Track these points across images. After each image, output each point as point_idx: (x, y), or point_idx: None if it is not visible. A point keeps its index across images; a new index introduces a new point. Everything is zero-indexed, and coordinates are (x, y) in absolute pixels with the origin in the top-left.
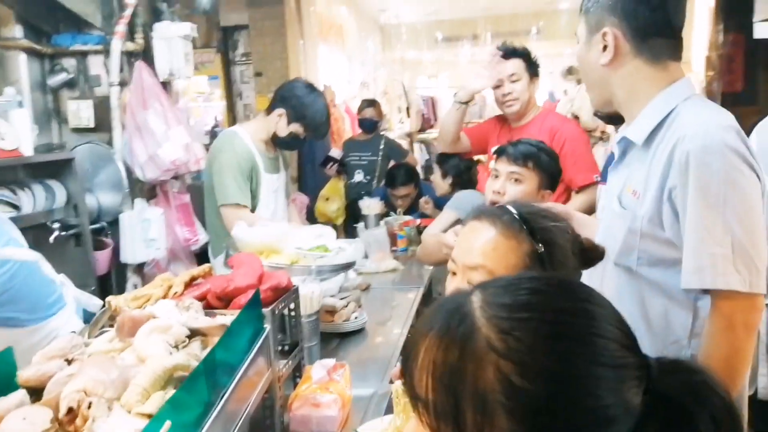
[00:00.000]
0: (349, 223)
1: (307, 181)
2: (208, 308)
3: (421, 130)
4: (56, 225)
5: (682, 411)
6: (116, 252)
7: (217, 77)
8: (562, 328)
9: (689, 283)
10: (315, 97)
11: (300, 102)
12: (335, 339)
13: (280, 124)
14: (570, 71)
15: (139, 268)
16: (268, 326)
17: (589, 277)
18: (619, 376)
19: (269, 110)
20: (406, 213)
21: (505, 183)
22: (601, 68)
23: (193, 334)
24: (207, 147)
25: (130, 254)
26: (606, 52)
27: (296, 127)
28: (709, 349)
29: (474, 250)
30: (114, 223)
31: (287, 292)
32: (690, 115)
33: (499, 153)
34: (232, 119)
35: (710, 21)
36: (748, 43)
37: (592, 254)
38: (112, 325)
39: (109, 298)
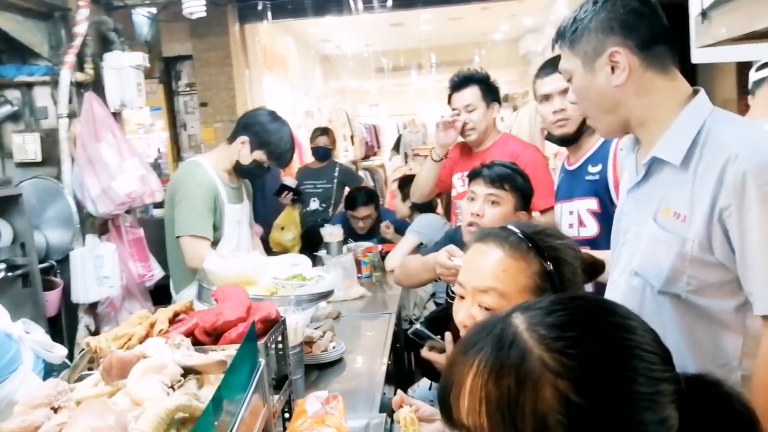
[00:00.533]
0: (306, 252)
1: (259, 211)
2: (196, 344)
3: (365, 157)
4: (2, 265)
5: (709, 422)
6: (66, 291)
7: (159, 108)
8: (611, 344)
9: (765, 310)
10: (279, 125)
11: (263, 129)
12: (314, 371)
13: (243, 152)
14: (506, 98)
15: (92, 307)
16: (262, 360)
17: (622, 299)
18: (661, 390)
19: (231, 139)
20: (366, 236)
21: (483, 205)
22: (615, 91)
23: (186, 372)
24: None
25: (82, 293)
26: (618, 73)
27: (260, 155)
28: (764, 372)
29: (483, 273)
30: (63, 261)
31: (276, 324)
32: (728, 131)
33: (474, 176)
34: (177, 151)
35: None
36: (683, 68)
37: (593, 268)
38: (91, 369)
39: (87, 340)
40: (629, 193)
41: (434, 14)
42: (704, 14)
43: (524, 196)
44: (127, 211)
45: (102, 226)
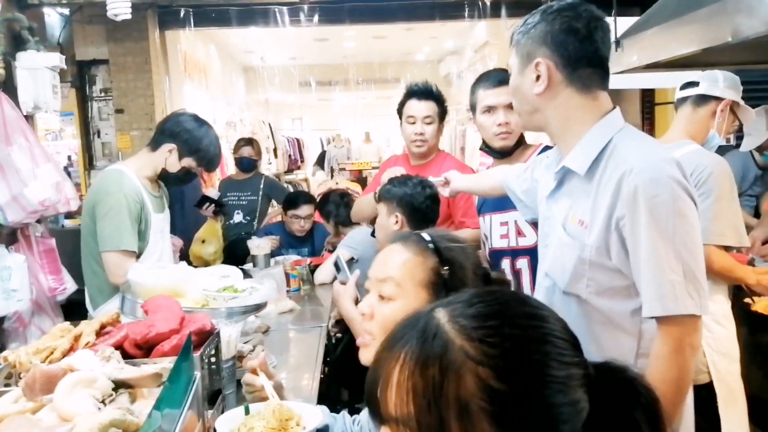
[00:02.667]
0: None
1: (177, 223)
2: (125, 357)
3: (289, 170)
4: None
5: (618, 405)
6: None
7: (71, 113)
8: (529, 331)
9: (653, 311)
10: (206, 129)
11: (192, 136)
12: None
13: (170, 160)
14: None
15: None
16: (198, 373)
17: (542, 298)
18: (572, 374)
19: (155, 146)
20: (304, 240)
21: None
22: (535, 97)
23: (117, 386)
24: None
25: None
26: (539, 82)
27: (189, 162)
28: (660, 371)
29: (386, 265)
30: None
31: (210, 336)
32: (630, 147)
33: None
34: (89, 159)
35: None
36: None
37: (492, 280)
38: (8, 384)
39: (5, 353)
40: (547, 199)
41: (359, 32)
42: (618, 42)
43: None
44: (38, 221)
45: (10, 236)
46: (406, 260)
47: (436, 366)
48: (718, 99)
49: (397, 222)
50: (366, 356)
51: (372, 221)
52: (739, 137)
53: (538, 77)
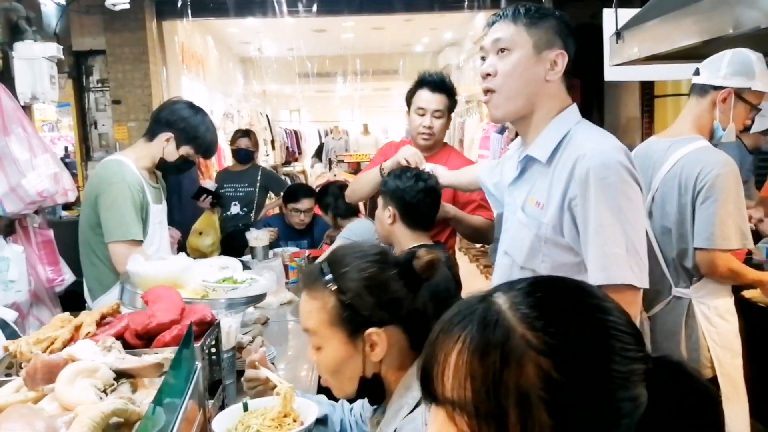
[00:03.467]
0: None
1: (173, 215)
2: (126, 347)
3: (286, 162)
4: None
5: (673, 399)
6: None
7: (68, 104)
8: (590, 324)
9: (597, 280)
10: (202, 116)
11: (188, 124)
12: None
13: (167, 149)
14: None
15: None
16: (198, 364)
17: (499, 278)
18: (634, 369)
19: (151, 136)
20: (304, 232)
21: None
22: (543, 83)
23: (119, 375)
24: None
25: None
26: (555, 71)
27: (187, 150)
28: None
29: (303, 319)
30: None
31: (211, 327)
32: (585, 136)
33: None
34: (86, 150)
35: None
36: (584, 87)
37: (425, 273)
38: (9, 374)
39: (6, 343)
40: (509, 187)
41: (358, 22)
42: (618, 34)
43: None
44: (36, 212)
45: (8, 227)
46: (311, 309)
47: (497, 353)
48: (719, 88)
49: (390, 216)
50: (335, 393)
51: (370, 213)
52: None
53: (552, 67)
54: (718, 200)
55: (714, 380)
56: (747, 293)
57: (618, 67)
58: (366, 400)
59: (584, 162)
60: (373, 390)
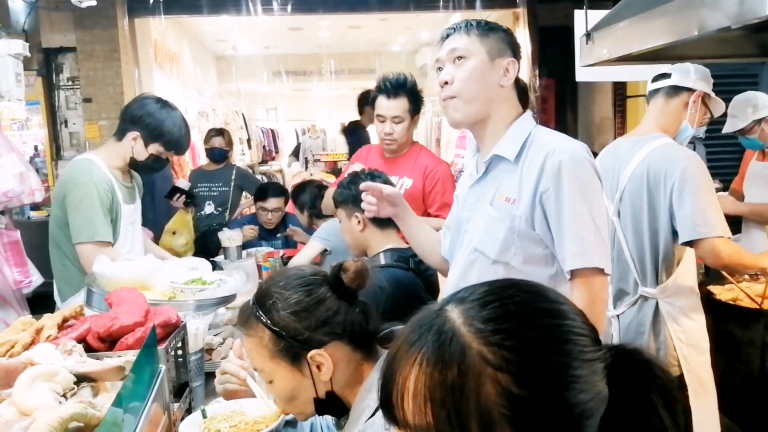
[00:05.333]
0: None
1: (146, 214)
2: (89, 350)
3: (263, 161)
4: None
5: (634, 388)
6: None
7: (37, 102)
8: (549, 331)
9: (575, 264)
10: (168, 111)
11: (154, 120)
12: (213, 379)
13: (136, 148)
14: None
15: None
16: (163, 366)
17: (461, 274)
18: (594, 370)
19: (120, 135)
20: (274, 231)
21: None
22: (497, 88)
23: (80, 379)
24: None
25: None
26: (507, 77)
27: (156, 148)
28: None
29: (249, 359)
30: None
31: (176, 329)
32: (548, 136)
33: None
34: (56, 149)
35: (528, 67)
36: (558, 87)
37: (355, 283)
38: None
39: None
40: (471, 188)
41: (334, 21)
42: (588, 35)
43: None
44: (2, 212)
45: None
46: (251, 348)
47: (454, 373)
48: (690, 90)
49: (360, 223)
50: (297, 418)
51: None
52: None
53: (505, 74)
54: (692, 192)
55: (681, 378)
56: (713, 289)
57: (589, 67)
58: None
59: (555, 157)
60: (332, 407)
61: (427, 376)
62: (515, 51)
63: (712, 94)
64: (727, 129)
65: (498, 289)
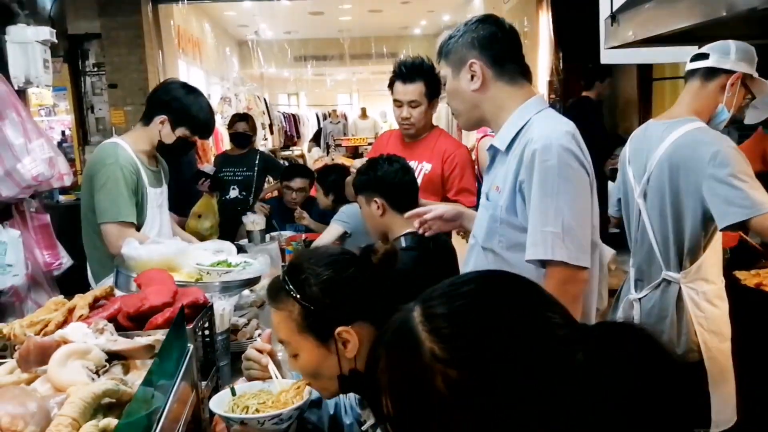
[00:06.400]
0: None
1: (171, 199)
2: (119, 329)
3: (285, 147)
4: None
5: (624, 362)
6: None
7: (64, 89)
8: (499, 327)
9: (529, 255)
10: (195, 96)
11: (181, 104)
12: (239, 359)
13: (164, 131)
14: None
15: None
16: (191, 345)
17: (465, 260)
18: (563, 357)
19: (147, 119)
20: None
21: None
22: (472, 94)
23: (111, 357)
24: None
25: None
26: (474, 80)
27: (183, 131)
28: None
29: (275, 331)
30: None
31: (203, 310)
32: (539, 124)
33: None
34: (83, 134)
35: (551, 51)
36: (583, 71)
37: (384, 265)
38: (3, 356)
39: (0, 326)
40: (485, 177)
41: (355, 5)
42: (613, 17)
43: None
44: (32, 196)
45: (4, 212)
46: (279, 321)
47: (407, 368)
48: (729, 72)
49: (379, 208)
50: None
51: None
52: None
53: (472, 77)
54: (729, 174)
55: (700, 364)
56: (739, 274)
57: (614, 50)
58: None
59: (531, 146)
60: (356, 384)
61: (388, 372)
62: (483, 45)
63: (755, 75)
64: (748, 120)
65: (459, 284)
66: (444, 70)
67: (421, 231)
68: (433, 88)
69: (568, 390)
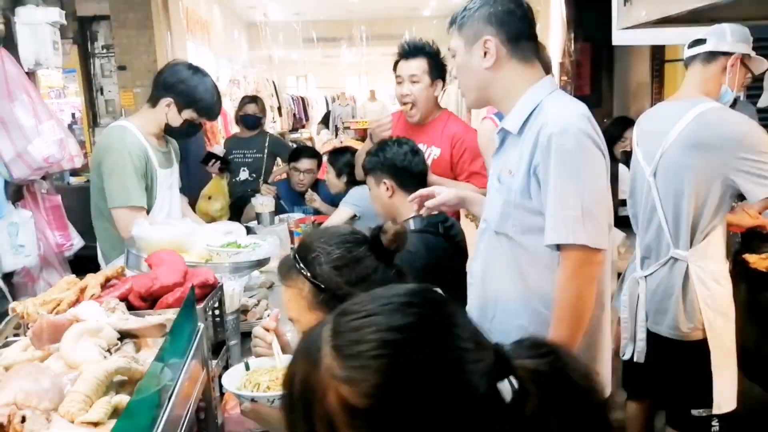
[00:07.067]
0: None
1: (181, 180)
2: (130, 309)
3: (293, 129)
4: None
5: (539, 378)
6: None
7: (74, 71)
8: (397, 349)
9: (549, 239)
10: (200, 77)
11: (186, 87)
12: (249, 339)
13: (170, 114)
14: None
15: (7, 277)
16: (201, 324)
17: (475, 244)
18: (464, 379)
19: (153, 101)
20: (304, 194)
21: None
22: (484, 71)
23: (123, 336)
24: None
25: None
26: (488, 57)
27: (189, 114)
28: (558, 296)
29: (285, 309)
30: None
31: (213, 290)
32: (552, 106)
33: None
34: (93, 116)
35: (563, 31)
36: (593, 51)
37: (393, 245)
38: (17, 334)
39: (13, 305)
40: (493, 159)
41: None
42: None
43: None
44: (43, 177)
45: (16, 193)
46: (290, 298)
47: (306, 382)
48: (727, 54)
49: (388, 189)
50: None
51: None
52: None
53: (485, 54)
54: (763, 151)
55: (705, 342)
56: (749, 258)
57: (626, 30)
58: None
59: (546, 130)
60: None
61: (293, 383)
62: (500, 22)
63: (752, 54)
64: (762, 103)
65: (367, 300)
66: (455, 42)
67: (420, 211)
68: (436, 68)
69: (467, 424)
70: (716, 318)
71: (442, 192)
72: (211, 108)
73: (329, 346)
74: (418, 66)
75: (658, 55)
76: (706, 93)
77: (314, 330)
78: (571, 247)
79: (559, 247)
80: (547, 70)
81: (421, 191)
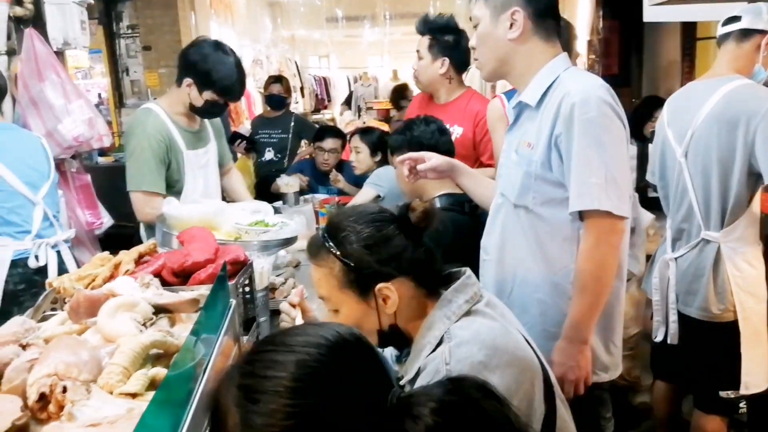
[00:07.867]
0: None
1: None
2: (163, 285)
3: (316, 110)
4: None
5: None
6: None
7: (99, 51)
8: (279, 380)
9: (574, 206)
10: (219, 56)
11: (205, 68)
12: (277, 316)
13: (192, 94)
14: None
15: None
16: (233, 300)
17: (491, 219)
18: (362, 410)
19: (178, 81)
20: (328, 174)
21: None
22: (507, 43)
23: (157, 311)
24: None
25: None
26: (514, 29)
27: (210, 95)
28: (581, 265)
29: (316, 287)
30: None
31: (244, 267)
32: (571, 79)
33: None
34: (119, 97)
35: (591, 8)
36: (623, 29)
37: (422, 223)
38: (54, 309)
39: (50, 280)
40: (507, 135)
41: None
42: None
43: None
44: (73, 157)
45: None
46: (320, 277)
47: (220, 405)
48: (763, 32)
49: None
50: None
51: None
52: None
53: (511, 25)
54: None
55: (735, 324)
56: None
57: (658, 6)
58: None
59: (568, 99)
60: (394, 339)
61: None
62: None
63: None
64: None
65: (279, 336)
66: (480, 11)
67: (407, 174)
68: (440, 44)
69: None
70: (748, 299)
71: (432, 157)
72: (230, 89)
73: (240, 375)
74: (422, 43)
75: (690, 32)
76: (738, 71)
77: (243, 353)
78: (595, 214)
79: (581, 215)
80: (567, 49)
81: (411, 154)
